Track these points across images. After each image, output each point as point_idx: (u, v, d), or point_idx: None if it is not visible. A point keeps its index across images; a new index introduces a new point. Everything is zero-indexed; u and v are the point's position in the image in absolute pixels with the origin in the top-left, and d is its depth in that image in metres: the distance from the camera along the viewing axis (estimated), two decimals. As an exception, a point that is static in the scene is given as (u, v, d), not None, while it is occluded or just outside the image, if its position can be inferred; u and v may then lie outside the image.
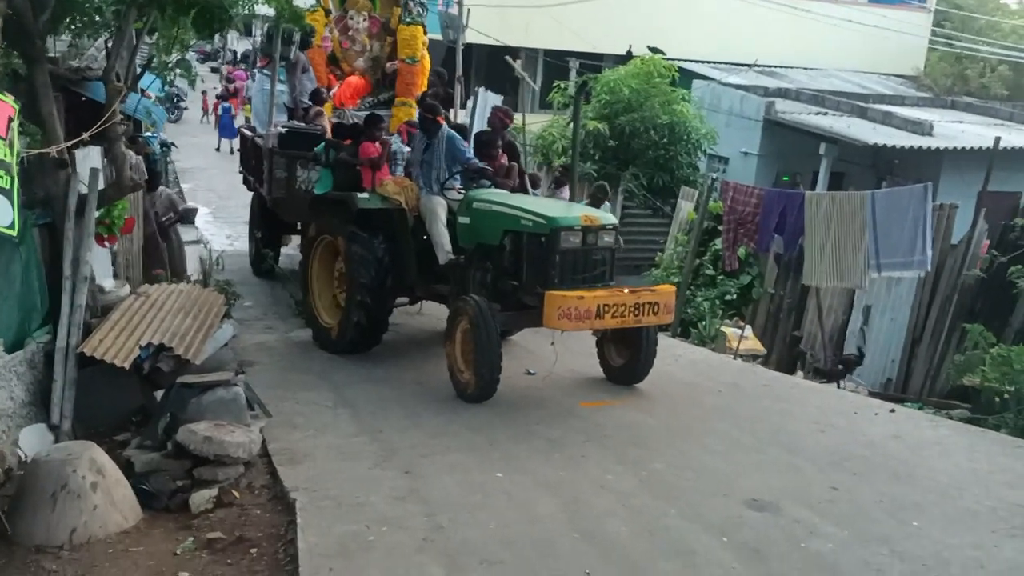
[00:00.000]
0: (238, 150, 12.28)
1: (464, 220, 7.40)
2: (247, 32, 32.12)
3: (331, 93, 10.88)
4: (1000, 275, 12.04)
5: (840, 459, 6.19)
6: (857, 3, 25.18)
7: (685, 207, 13.82)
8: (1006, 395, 7.99)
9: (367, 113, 9.55)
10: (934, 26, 25.90)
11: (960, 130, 17.49)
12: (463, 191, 7.61)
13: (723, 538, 4.77)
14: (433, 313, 8.93)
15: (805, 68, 24.07)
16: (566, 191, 10.91)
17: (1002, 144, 14.60)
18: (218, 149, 24.44)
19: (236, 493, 5.16)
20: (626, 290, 6.73)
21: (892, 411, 7.60)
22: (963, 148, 15.78)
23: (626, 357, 7.35)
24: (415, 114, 10.40)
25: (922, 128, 16.53)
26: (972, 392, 9.13)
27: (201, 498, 5.05)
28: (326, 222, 8.16)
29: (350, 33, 11.13)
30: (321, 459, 5.61)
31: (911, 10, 25.53)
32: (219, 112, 25.79)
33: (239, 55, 36.45)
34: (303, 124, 10.14)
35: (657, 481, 5.51)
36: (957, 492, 5.67)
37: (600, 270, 6.83)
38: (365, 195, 7.85)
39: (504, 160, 8.37)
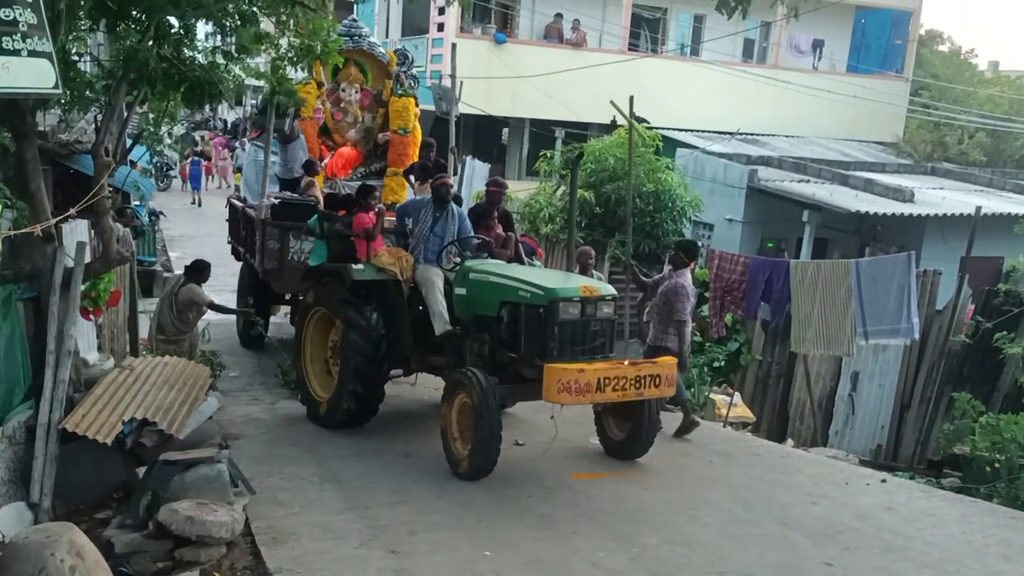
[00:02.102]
0: (226, 214, 12.25)
1: (461, 291, 7.30)
2: (237, 102, 32.62)
3: (323, 164, 10.98)
4: (986, 341, 12.09)
5: (833, 532, 6.12)
6: (836, 73, 25.76)
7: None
8: (997, 464, 7.95)
9: (359, 184, 9.59)
10: (911, 95, 26.48)
11: (941, 196, 17.76)
12: (459, 262, 7.59)
13: (717, 618, 4.67)
14: (422, 383, 8.85)
15: (787, 136, 24.49)
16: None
17: (983, 210, 14.82)
18: (193, 202, 26.80)
19: (218, 575, 5.03)
20: (626, 362, 6.67)
21: (883, 481, 7.55)
22: (946, 215, 15.99)
23: (627, 431, 7.22)
24: (405, 184, 10.51)
25: (904, 195, 16.77)
26: (963, 460, 9.08)
27: (182, 581, 4.92)
28: (320, 294, 8.10)
29: (342, 105, 11.29)
30: (306, 538, 5.49)
31: (889, 79, 26.12)
32: (188, 166, 27.68)
33: (228, 124, 36.99)
34: (296, 195, 10.17)
35: (649, 557, 5.42)
36: (952, 566, 5.60)
37: (599, 341, 6.72)
38: (360, 266, 7.78)
39: (500, 230, 8.36)
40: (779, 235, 17.51)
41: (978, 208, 13.44)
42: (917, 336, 10.89)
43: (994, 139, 24.48)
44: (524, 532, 5.70)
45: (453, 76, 17.21)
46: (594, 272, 9.03)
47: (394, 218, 8.63)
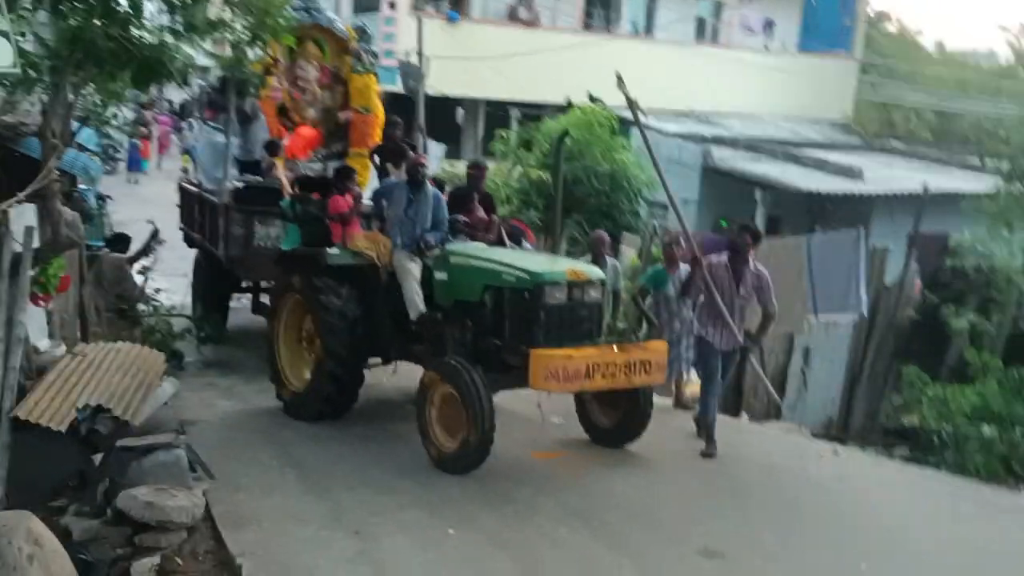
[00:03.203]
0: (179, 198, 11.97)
1: (441, 276, 7.10)
2: (184, 83, 31.87)
3: (283, 145, 10.72)
4: (933, 316, 12.44)
5: (788, 501, 6.29)
6: (787, 52, 26.04)
7: (628, 253, 13.97)
8: (944, 434, 8.19)
9: (339, 166, 9.32)
10: (860, 74, 26.86)
11: (889, 175, 18.07)
12: (439, 246, 7.36)
13: (677, 589, 4.76)
14: (379, 367, 8.74)
15: (740, 115, 24.72)
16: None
17: (930, 188, 15.14)
18: (129, 180, 26.48)
19: (179, 560, 4.99)
20: (615, 347, 6.54)
21: (836, 453, 7.74)
22: (894, 193, 16.30)
23: (614, 418, 7.07)
24: (369, 165, 10.30)
25: (853, 173, 17.03)
26: (912, 431, 9.35)
27: (143, 567, 4.86)
28: (293, 280, 7.84)
29: (300, 83, 10.97)
30: (267, 522, 5.46)
31: (838, 58, 26.48)
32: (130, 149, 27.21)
33: (176, 105, 36.19)
34: (259, 178, 9.92)
35: (610, 532, 5.50)
36: (903, 533, 5.77)
37: (587, 327, 6.54)
38: (335, 250, 7.58)
39: (482, 214, 8.15)
40: (733, 214, 17.66)
41: (925, 186, 13.73)
42: (866, 312, 11.14)
43: (941, 117, 24.95)
44: (487, 511, 5.74)
45: (420, 53, 16.92)
46: (608, 260, 8.42)
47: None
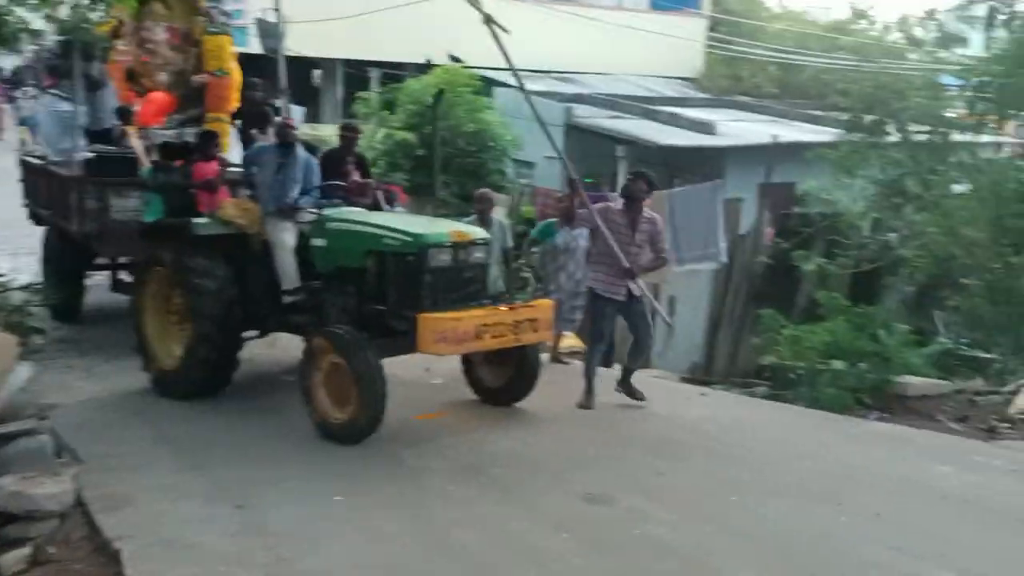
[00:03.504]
0: None
1: (320, 243, 6.89)
2: (13, 47, 29.61)
3: (134, 111, 10.12)
4: (784, 260, 13.16)
5: (662, 443, 6.57)
6: (639, 10, 26.63)
7: (497, 212, 14.10)
8: (799, 371, 8.72)
9: (202, 130, 8.84)
10: (709, 31, 27.80)
11: (739, 128, 18.87)
12: (315, 212, 7.12)
13: (564, 534, 4.92)
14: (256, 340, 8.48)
15: (597, 73, 25.15)
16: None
17: (778, 140, 15.94)
18: None
19: (52, 549, 4.77)
20: (503, 307, 6.54)
21: (703, 395, 8.13)
22: (745, 145, 17.05)
23: (504, 377, 7.10)
24: (228, 130, 9.87)
25: (706, 128, 17.70)
26: (770, 370, 9.91)
27: (13, 559, 4.64)
28: (158, 252, 7.43)
29: (148, 46, 10.32)
30: (144, 502, 5.27)
31: (687, 16, 27.30)
32: None
33: (8, 72, 33.56)
34: (112, 147, 9.34)
35: (497, 485, 5.61)
36: (769, 465, 6.15)
37: (473, 288, 6.52)
38: (203, 220, 7.24)
39: (356, 177, 7.97)
40: (596, 170, 18.06)
41: (775, 136, 14.43)
42: (725, 259, 11.68)
43: (784, 72, 26.17)
44: (373, 474, 5.74)
45: (277, 10, 16.25)
46: (495, 218, 8.35)
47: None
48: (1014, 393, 8.20)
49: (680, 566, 4.60)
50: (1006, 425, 7.54)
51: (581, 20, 23.61)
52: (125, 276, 9.45)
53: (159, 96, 10.35)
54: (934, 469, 6.12)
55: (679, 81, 27.02)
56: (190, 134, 9.42)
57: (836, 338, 8.48)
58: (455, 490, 5.50)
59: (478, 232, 6.83)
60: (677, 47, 25.78)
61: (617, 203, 7.36)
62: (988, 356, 10.68)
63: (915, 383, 8.21)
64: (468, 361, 7.20)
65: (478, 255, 6.62)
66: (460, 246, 6.47)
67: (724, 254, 11.42)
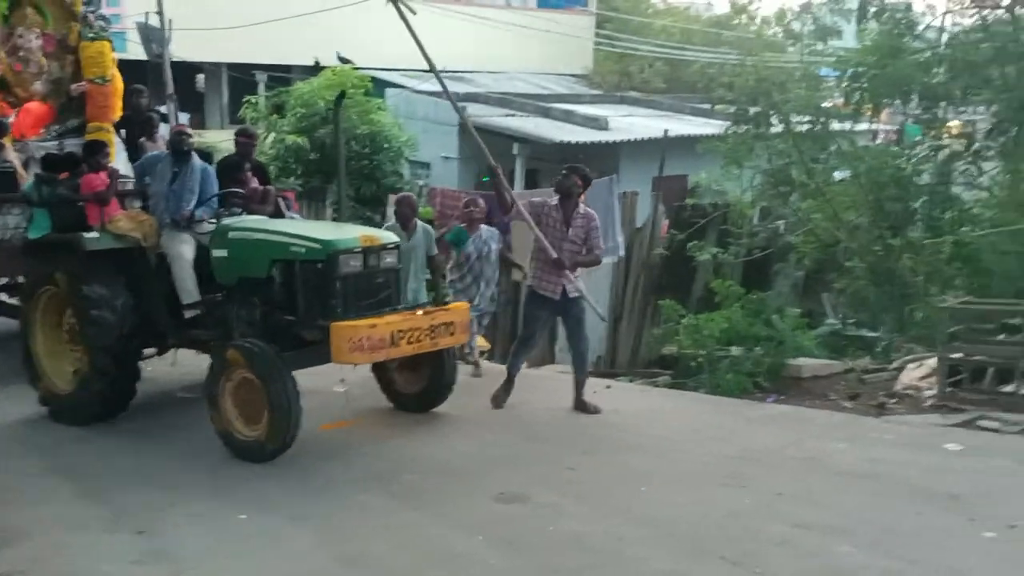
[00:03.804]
0: None
1: (220, 253, 6.61)
2: None
3: (9, 123, 9.55)
4: (680, 251, 13.49)
5: (572, 438, 6.64)
6: (528, 8, 26.80)
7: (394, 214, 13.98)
8: (700, 359, 8.97)
9: (90, 141, 8.37)
10: (597, 28, 28.21)
11: (631, 123, 19.24)
12: (214, 222, 6.86)
13: (479, 536, 4.92)
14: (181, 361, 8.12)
15: (490, 72, 25.21)
16: None
17: (669, 134, 16.33)
18: None
19: (-61, 593, 4.49)
20: (419, 312, 6.43)
21: (608, 387, 8.25)
22: (638, 140, 17.39)
23: (420, 383, 7.00)
24: (113, 139, 9.44)
25: (599, 124, 17.97)
26: (671, 359, 10.15)
27: None
28: (47, 271, 7.03)
29: (21, 54, 9.77)
30: (39, 534, 5.01)
31: (576, 13, 27.64)
32: None
33: None
34: None
35: (410, 492, 5.56)
36: (675, 453, 6.30)
37: (385, 294, 6.39)
38: (94, 234, 6.87)
39: (255, 184, 7.74)
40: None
41: (666, 131, 14.76)
42: (623, 253, 11.87)
43: (671, 67, 26.79)
44: (280, 489, 5.60)
45: (160, 13, 15.57)
46: (419, 223, 7.91)
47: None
48: (899, 370, 8.64)
49: (596, 559, 4.65)
50: (894, 400, 7.94)
51: (471, 20, 23.62)
52: (6, 297, 8.96)
53: (36, 106, 9.84)
54: (831, 446, 6.38)
55: (570, 78, 27.33)
56: (71, 145, 9.00)
57: (732, 325, 8.76)
58: (366, 500, 5.42)
59: (388, 236, 6.72)
60: (567, 44, 26.07)
61: (552, 199, 7.25)
62: (874, 335, 11.23)
63: (808, 364, 8.57)
64: (381, 368, 7.05)
65: (389, 260, 6.49)
66: (371, 251, 6.33)
67: (623, 248, 11.60)
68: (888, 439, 6.54)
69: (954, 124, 12.84)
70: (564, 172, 7.27)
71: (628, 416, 7.29)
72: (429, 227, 7.98)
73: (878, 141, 16.21)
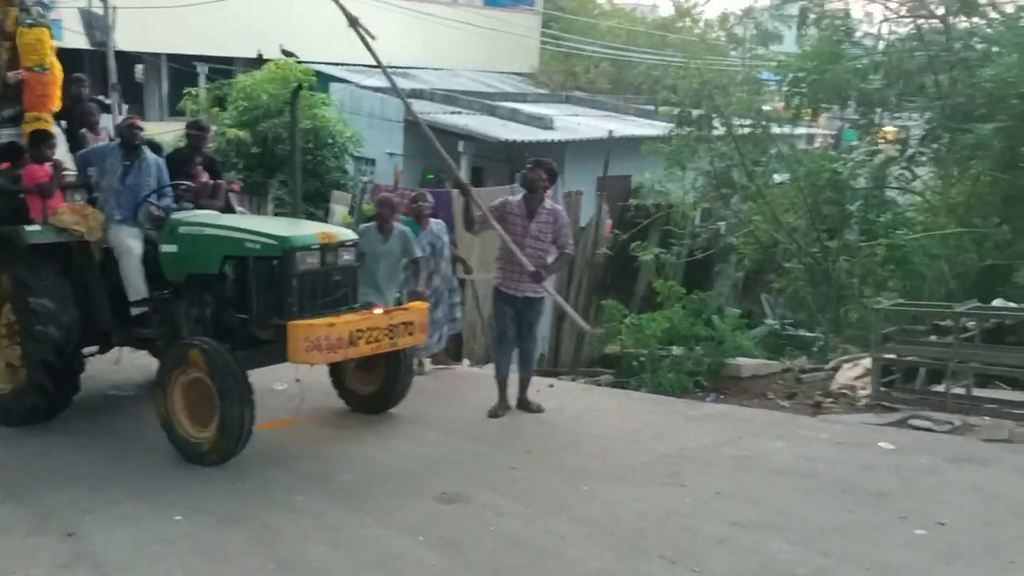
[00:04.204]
0: None
1: (169, 249, 6.41)
2: None
3: None
4: (623, 251, 13.59)
5: (513, 438, 6.62)
6: (474, 6, 26.75)
7: (338, 211, 13.84)
8: (642, 358, 9.03)
9: (34, 130, 8.06)
10: (543, 27, 28.30)
11: (576, 123, 19.33)
12: (163, 215, 6.62)
13: (420, 537, 4.87)
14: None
15: (435, 69, 25.11)
16: None
17: (614, 134, 16.44)
18: None
19: None
20: (379, 310, 6.27)
21: (551, 386, 8.25)
22: (583, 139, 17.48)
23: (376, 383, 6.89)
24: (52, 128, 9.12)
25: (544, 123, 18.02)
26: (614, 359, 10.20)
27: None
28: None
29: None
30: (-39, 539, 4.84)
31: (522, 12, 27.68)
32: None
33: None
34: None
35: (348, 493, 5.48)
36: (616, 452, 6.32)
37: (342, 292, 6.21)
38: (35, 227, 6.61)
39: (206, 178, 7.48)
40: (439, 166, 18.06)
41: (610, 132, 14.85)
42: (571, 252, 11.87)
43: (616, 68, 27.01)
44: (215, 490, 5.47)
45: (105, 1, 15.11)
46: (396, 225, 7.60)
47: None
48: (835, 369, 8.81)
49: (536, 558, 4.64)
50: (830, 400, 8.08)
51: (417, 16, 23.50)
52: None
53: None
54: (767, 445, 6.46)
55: (516, 77, 27.37)
56: (7, 135, 8.67)
57: (674, 325, 8.83)
58: (303, 501, 5.33)
59: (347, 233, 6.57)
60: (513, 43, 26.11)
61: (516, 196, 7.12)
62: (811, 335, 11.45)
63: (747, 364, 8.68)
64: (336, 368, 6.89)
65: (347, 257, 6.34)
66: (328, 248, 6.16)
67: (571, 247, 11.64)
68: (823, 438, 6.65)
69: (890, 130, 13.17)
70: (529, 166, 7.10)
71: (570, 415, 7.30)
72: (408, 229, 7.74)
73: (816, 145, 16.56)
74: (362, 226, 7.73)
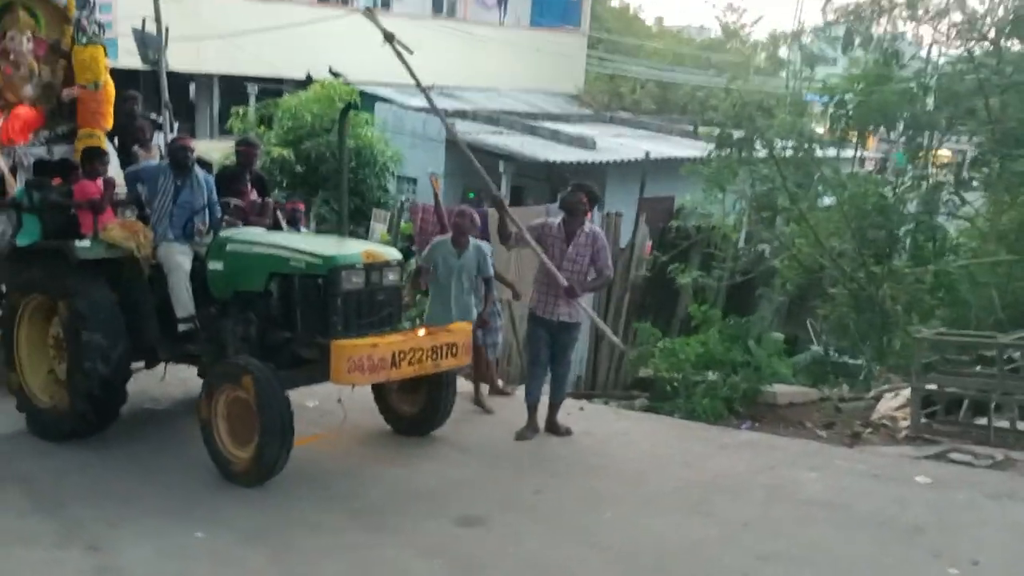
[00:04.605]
0: None
1: (217, 266, 6.40)
2: None
3: None
4: (663, 273, 13.44)
5: (540, 461, 6.55)
6: (520, 27, 26.92)
7: (378, 229, 13.97)
8: (675, 383, 8.90)
9: (88, 147, 8.10)
10: (588, 48, 28.35)
11: (619, 143, 19.29)
12: (211, 231, 6.67)
13: (437, 560, 4.84)
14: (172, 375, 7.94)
15: (480, 89, 25.27)
16: None
17: (653, 155, 16.36)
18: None
19: None
20: (422, 331, 6.25)
21: (581, 409, 8.15)
22: (623, 160, 17.41)
23: (419, 405, 6.76)
24: (105, 144, 9.32)
25: (586, 143, 18.01)
26: (648, 382, 10.08)
27: None
28: (35, 278, 6.79)
29: (12, 57, 9.59)
30: (-12, 548, 4.92)
31: (568, 33, 27.78)
32: None
33: None
34: None
35: (370, 512, 5.47)
36: (644, 478, 6.22)
37: (387, 312, 6.15)
38: (86, 243, 6.62)
39: (254, 195, 7.57)
40: (478, 185, 18.12)
41: (647, 153, 14.76)
42: (609, 273, 11.78)
43: (661, 88, 26.93)
44: (239, 507, 5.50)
45: (158, 20, 15.41)
46: (472, 240, 7.46)
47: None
48: (876, 399, 8.59)
49: (553, 585, 4.58)
50: (869, 430, 7.87)
51: (463, 37, 23.72)
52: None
53: (25, 111, 9.61)
54: (800, 476, 6.30)
55: (561, 97, 27.43)
56: (61, 151, 8.86)
57: (709, 350, 8.69)
58: (324, 519, 5.32)
59: (392, 253, 6.54)
60: (558, 63, 26.20)
61: (556, 218, 7.02)
62: (855, 363, 11.19)
63: (784, 391, 8.50)
64: (380, 388, 6.80)
65: (392, 277, 6.28)
66: (373, 268, 6.10)
67: (611, 269, 11.57)
68: (859, 469, 6.47)
69: (944, 153, 12.88)
70: (570, 189, 7.04)
71: (599, 439, 7.21)
72: (484, 244, 7.63)
73: (867, 168, 16.26)
74: (435, 239, 7.63)
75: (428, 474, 6.18)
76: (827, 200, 12.91)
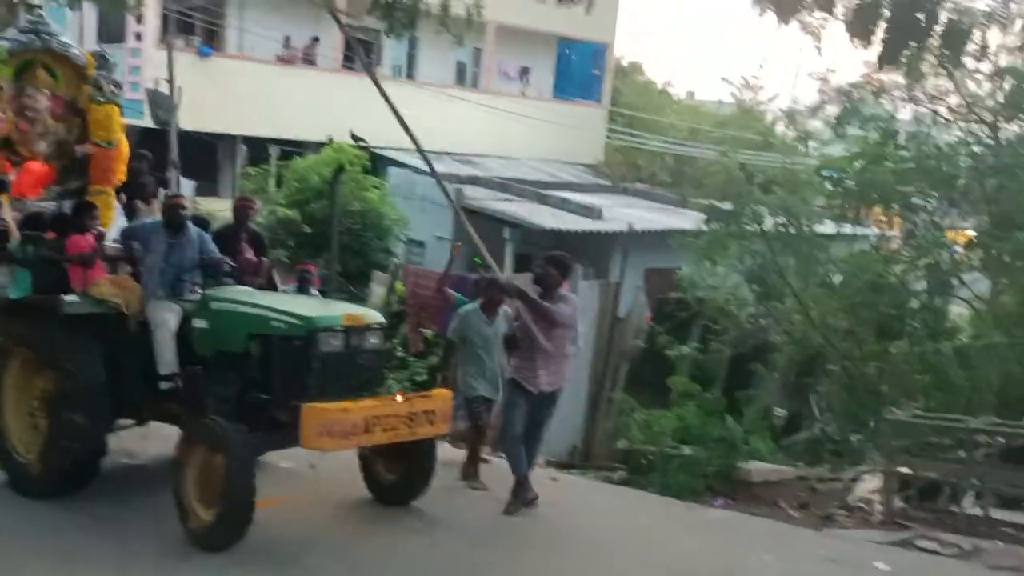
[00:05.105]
0: None
1: (201, 324, 6.36)
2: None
3: (9, 181, 9.60)
4: (659, 344, 13.42)
5: (496, 534, 6.46)
6: (542, 99, 27.40)
7: (377, 291, 14.10)
8: (651, 456, 8.82)
9: (78, 201, 8.13)
10: (609, 121, 28.75)
11: (627, 214, 19.37)
12: (200, 291, 6.62)
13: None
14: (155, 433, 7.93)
15: (499, 157, 25.65)
16: None
17: (661, 226, 16.44)
18: None
19: None
20: (398, 397, 6.21)
21: (553, 479, 8.09)
22: (627, 231, 17.48)
23: (398, 473, 6.62)
24: (112, 203, 9.53)
25: (593, 212, 18.11)
26: (626, 454, 9.99)
27: None
28: (22, 333, 6.85)
29: (28, 114, 9.87)
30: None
31: (589, 106, 28.22)
32: None
33: None
34: None
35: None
36: (610, 555, 6.13)
37: (366, 376, 6.08)
38: (74, 298, 6.61)
39: (249, 254, 7.56)
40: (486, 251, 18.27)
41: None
42: (581, 344, 11.72)
43: (678, 161, 27.17)
44: (185, 567, 5.49)
45: (171, 82, 15.94)
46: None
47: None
48: (854, 480, 8.44)
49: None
50: (844, 513, 7.73)
51: (487, 108, 24.21)
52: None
53: (37, 166, 9.80)
54: (756, 559, 6.18)
55: (580, 167, 27.75)
56: (70, 206, 9.05)
57: (685, 423, 8.62)
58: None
59: (374, 316, 6.47)
60: (579, 134, 26.56)
61: (536, 291, 6.90)
62: (846, 442, 11.01)
63: (758, 468, 8.40)
64: (365, 455, 6.69)
65: (373, 341, 6.21)
66: (353, 331, 6.04)
67: (580, 339, 11.43)
68: (819, 554, 6.34)
69: (952, 233, 12.79)
70: (540, 263, 7.04)
71: (564, 512, 7.10)
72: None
73: (871, 243, 16.18)
74: (463, 309, 7.47)
75: (376, 542, 6.11)
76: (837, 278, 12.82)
